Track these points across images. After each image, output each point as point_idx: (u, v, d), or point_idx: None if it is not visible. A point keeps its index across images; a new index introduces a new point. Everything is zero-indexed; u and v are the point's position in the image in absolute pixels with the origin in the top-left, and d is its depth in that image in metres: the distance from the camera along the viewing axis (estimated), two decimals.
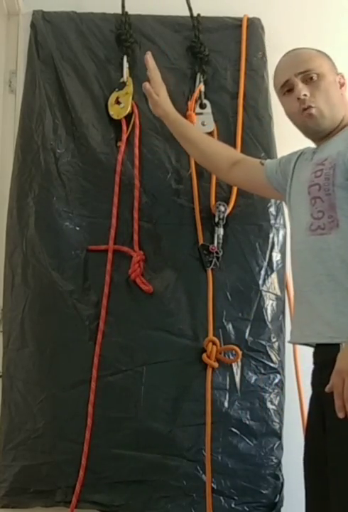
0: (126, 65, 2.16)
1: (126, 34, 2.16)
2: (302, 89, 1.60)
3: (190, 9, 2.18)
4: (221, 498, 1.85)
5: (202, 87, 2.16)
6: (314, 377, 1.59)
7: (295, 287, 1.65)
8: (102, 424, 1.86)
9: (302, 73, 1.62)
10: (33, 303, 1.97)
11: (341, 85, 1.65)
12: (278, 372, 1.96)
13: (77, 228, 2.03)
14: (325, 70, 1.63)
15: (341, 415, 1.36)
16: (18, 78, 2.21)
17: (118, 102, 2.12)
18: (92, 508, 1.86)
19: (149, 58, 1.93)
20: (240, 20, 2.23)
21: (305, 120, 1.62)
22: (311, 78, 1.61)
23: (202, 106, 2.15)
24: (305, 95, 1.59)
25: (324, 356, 1.51)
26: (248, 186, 1.94)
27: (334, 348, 1.44)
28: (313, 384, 1.59)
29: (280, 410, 1.94)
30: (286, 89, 1.65)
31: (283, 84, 1.65)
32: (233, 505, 1.85)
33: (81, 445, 1.84)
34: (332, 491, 1.44)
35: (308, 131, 1.65)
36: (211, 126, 2.13)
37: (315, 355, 1.58)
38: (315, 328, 1.51)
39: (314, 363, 1.58)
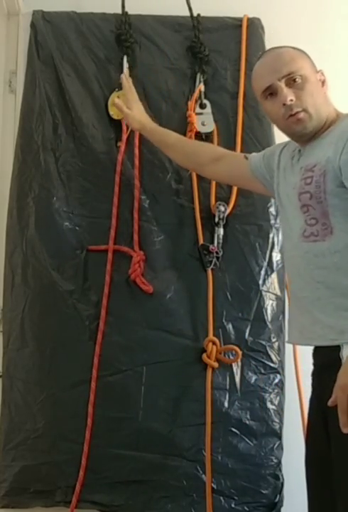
0: (126, 65, 2.16)
1: (126, 34, 2.16)
2: (288, 95, 1.53)
3: (190, 9, 2.18)
4: (221, 498, 1.85)
5: (202, 87, 2.16)
6: (314, 378, 1.59)
7: (292, 291, 1.65)
8: (102, 424, 1.86)
9: (286, 77, 1.55)
10: (33, 303, 1.97)
11: (323, 83, 1.60)
12: (278, 372, 1.96)
13: (77, 228, 2.03)
14: (308, 71, 1.57)
15: (345, 431, 1.34)
16: (18, 78, 2.21)
17: None
18: (92, 508, 1.86)
19: (124, 78, 2.05)
20: (240, 20, 2.23)
21: (291, 125, 1.57)
22: (294, 80, 1.55)
23: (202, 106, 2.15)
24: (291, 101, 1.54)
25: (325, 358, 1.51)
26: (234, 181, 1.94)
27: (335, 349, 1.44)
28: (313, 385, 1.59)
29: (280, 410, 1.94)
30: (269, 93, 1.58)
31: (265, 88, 1.58)
32: (233, 505, 1.85)
33: (81, 445, 1.84)
34: (339, 500, 1.43)
35: (294, 135, 1.60)
36: (211, 126, 2.13)
37: (315, 356, 1.58)
38: (316, 331, 1.51)
39: (314, 364, 1.58)
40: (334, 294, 1.47)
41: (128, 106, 1.99)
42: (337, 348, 1.44)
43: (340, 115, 1.58)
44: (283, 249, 1.69)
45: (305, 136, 1.57)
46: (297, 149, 1.62)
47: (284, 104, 1.54)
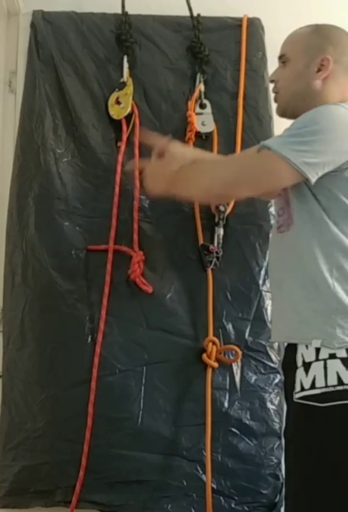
0: (126, 65, 2.16)
1: (126, 34, 2.16)
2: (272, 75, 1.64)
3: (190, 9, 2.18)
4: (221, 498, 1.85)
5: (202, 87, 2.16)
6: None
7: (269, 286, 1.69)
8: (102, 424, 1.86)
9: (280, 57, 1.63)
10: (33, 303, 1.97)
11: (319, 69, 1.55)
12: (278, 372, 1.96)
13: (77, 228, 2.03)
14: (296, 53, 1.57)
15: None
16: (18, 78, 2.21)
17: (118, 102, 2.12)
18: (92, 508, 1.86)
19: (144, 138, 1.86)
20: (240, 20, 2.23)
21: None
22: (284, 63, 1.61)
23: (202, 106, 2.15)
24: (271, 81, 1.63)
25: (285, 357, 1.53)
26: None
27: (292, 348, 1.44)
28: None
29: (280, 410, 1.94)
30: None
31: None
32: (233, 505, 1.85)
33: (81, 445, 1.83)
34: (286, 493, 1.47)
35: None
36: (211, 126, 2.13)
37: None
38: (279, 327, 1.53)
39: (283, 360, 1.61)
40: (295, 288, 1.45)
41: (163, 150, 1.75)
42: (295, 349, 1.43)
43: None
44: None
45: (281, 117, 1.64)
46: None
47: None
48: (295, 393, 1.40)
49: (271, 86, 1.67)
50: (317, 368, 1.37)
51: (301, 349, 1.41)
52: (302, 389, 1.38)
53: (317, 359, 1.37)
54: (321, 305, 1.40)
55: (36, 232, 2.01)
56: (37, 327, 1.96)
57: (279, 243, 1.53)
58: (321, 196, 1.43)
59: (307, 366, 1.38)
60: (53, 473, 1.86)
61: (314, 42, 1.57)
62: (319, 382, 1.35)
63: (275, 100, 1.64)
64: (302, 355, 1.40)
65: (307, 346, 1.39)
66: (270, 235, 1.65)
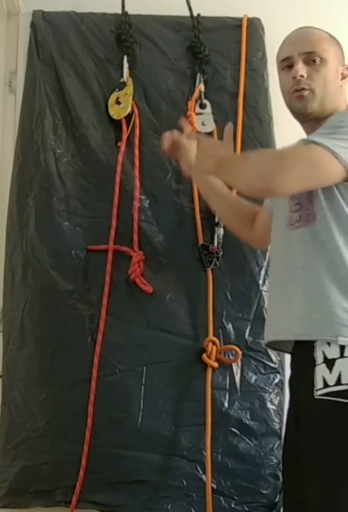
0: (126, 65, 2.16)
1: (126, 34, 2.16)
2: (300, 70, 1.54)
3: (190, 9, 2.18)
4: (221, 498, 1.85)
5: (202, 87, 2.16)
6: (292, 377, 1.57)
7: (271, 285, 1.62)
8: (102, 424, 1.86)
9: (306, 54, 1.55)
10: (33, 303, 1.97)
11: (343, 77, 1.59)
12: (278, 372, 1.96)
13: (77, 228, 2.03)
14: (330, 56, 1.56)
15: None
16: (18, 78, 2.21)
17: (118, 102, 2.12)
18: (92, 508, 1.86)
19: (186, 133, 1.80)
20: (240, 20, 2.24)
21: (293, 100, 1.56)
22: (314, 61, 1.54)
23: (202, 106, 2.15)
24: (301, 76, 1.53)
25: (296, 356, 1.50)
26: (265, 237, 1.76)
27: (305, 346, 1.42)
28: (291, 384, 1.57)
29: (280, 410, 1.94)
30: (286, 64, 1.58)
31: (284, 58, 1.59)
32: (233, 505, 1.85)
33: (81, 445, 1.83)
34: (308, 493, 1.41)
35: (294, 112, 1.60)
36: (211, 126, 2.13)
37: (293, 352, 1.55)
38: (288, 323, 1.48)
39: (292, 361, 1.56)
40: (314, 282, 1.43)
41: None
42: (311, 346, 1.41)
43: None
44: (270, 246, 1.66)
45: (304, 116, 1.57)
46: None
47: (294, 77, 1.54)
48: (317, 390, 1.38)
49: (291, 81, 1.56)
50: (343, 365, 1.36)
51: (321, 346, 1.39)
52: (326, 385, 1.36)
53: (343, 356, 1.36)
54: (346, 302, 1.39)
55: (36, 232, 2.02)
56: (37, 327, 1.96)
57: (291, 238, 1.49)
58: (346, 195, 1.43)
59: (330, 363, 1.37)
60: (53, 473, 1.86)
61: (336, 48, 1.60)
62: (346, 379, 1.34)
63: (304, 97, 1.54)
64: (324, 352, 1.38)
65: (329, 343, 1.38)
66: (274, 236, 1.59)
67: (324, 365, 1.38)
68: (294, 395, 1.52)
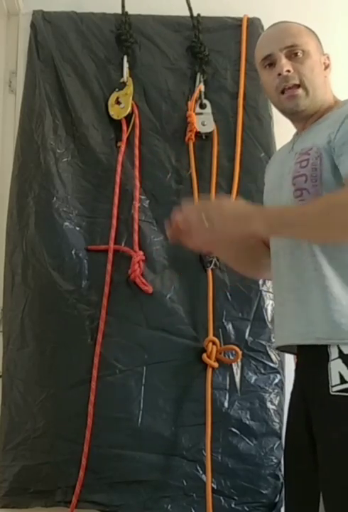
0: (126, 65, 2.16)
1: (126, 34, 2.16)
2: (285, 65, 1.47)
3: (190, 9, 2.18)
4: (221, 498, 1.85)
5: (202, 87, 2.16)
6: (298, 375, 1.53)
7: (277, 288, 1.55)
8: (102, 424, 1.86)
9: (287, 48, 1.49)
10: (33, 303, 1.97)
11: (326, 67, 1.54)
12: (278, 372, 1.96)
13: (77, 228, 2.03)
14: (312, 47, 1.52)
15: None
16: (18, 78, 2.21)
17: (118, 102, 2.12)
18: (92, 508, 1.86)
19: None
20: (240, 20, 2.24)
21: (283, 101, 1.51)
22: (296, 54, 1.49)
23: (202, 106, 2.15)
24: (288, 71, 1.47)
25: (305, 355, 1.46)
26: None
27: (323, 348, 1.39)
28: (296, 383, 1.54)
29: (280, 410, 1.94)
30: (268, 62, 1.52)
31: (264, 57, 1.52)
32: (233, 505, 1.85)
33: (81, 445, 1.83)
34: (326, 500, 1.39)
35: (285, 112, 1.55)
36: (211, 126, 2.13)
37: (300, 352, 1.51)
38: (300, 328, 1.44)
39: (299, 360, 1.52)
40: (329, 284, 1.39)
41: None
42: (322, 347, 1.38)
43: (338, 102, 1.54)
44: (272, 253, 1.57)
45: (296, 114, 1.52)
46: (294, 139, 1.58)
47: (279, 74, 1.49)
48: (333, 386, 1.35)
49: (277, 79, 1.50)
50: None
51: (335, 345, 1.36)
52: (344, 381, 1.34)
53: None
54: None
55: (36, 232, 2.02)
56: (37, 327, 1.96)
57: (297, 242, 1.44)
58: None
59: (347, 358, 1.34)
60: (53, 473, 1.86)
61: (316, 39, 1.56)
62: None
63: (294, 96, 1.49)
64: (339, 347, 1.35)
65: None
66: (278, 240, 1.53)
67: (339, 360, 1.35)
68: (304, 393, 1.47)
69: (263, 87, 1.60)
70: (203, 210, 1.36)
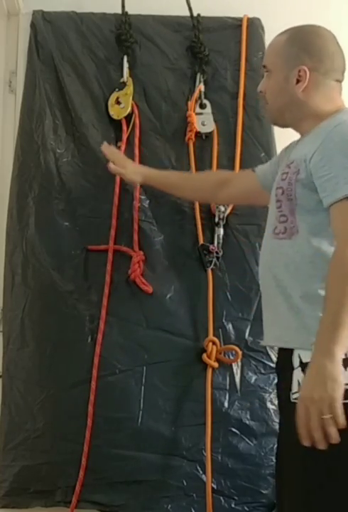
0: (126, 65, 2.16)
1: (126, 34, 2.16)
2: (260, 86, 1.63)
3: (190, 9, 2.18)
4: (221, 498, 1.85)
5: (202, 87, 2.16)
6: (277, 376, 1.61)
7: (261, 288, 1.63)
8: (102, 424, 1.86)
9: (264, 67, 1.62)
10: (33, 303, 1.97)
11: (299, 80, 1.52)
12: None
13: (77, 228, 2.03)
14: (277, 66, 1.55)
15: (306, 443, 1.29)
16: (18, 78, 2.21)
17: (118, 102, 2.12)
18: (92, 508, 1.86)
19: (105, 148, 1.98)
20: (240, 20, 2.24)
21: None
22: (267, 72, 1.60)
23: (202, 106, 2.15)
24: (261, 92, 1.62)
25: (281, 359, 1.53)
26: (249, 199, 1.88)
27: (289, 352, 1.43)
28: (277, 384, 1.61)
29: None
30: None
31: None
32: (233, 505, 1.85)
33: (81, 445, 1.84)
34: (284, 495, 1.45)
35: None
36: (211, 126, 2.13)
37: (278, 354, 1.59)
38: (274, 331, 1.52)
39: (276, 362, 1.60)
40: (292, 295, 1.45)
41: (121, 165, 1.96)
42: (290, 352, 1.43)
43: (331, 112, 1.51)
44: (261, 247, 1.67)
45: (272, 124, 1.71)
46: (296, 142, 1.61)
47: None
48: (293, 394, 1.39)
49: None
50: None
51: (298, 351, 1.41)
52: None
53: None
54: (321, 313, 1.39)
55: (36, 232, 2.02)
56: (37, 327, 1.96)
57: (277, 248, 1.50)
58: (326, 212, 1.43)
59: (305, 367, 1.37)
60: (53, 473, 1.86)
61: (290, 52, 1.54)
62: None
63: (265, 109, 1.66)
64: (300, 356, 1.40)
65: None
66: (264, 239, 1.60)
67: (299, 369, 1.40)
68: (278, 397, 1.56)
69: None
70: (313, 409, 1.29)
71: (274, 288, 1.50)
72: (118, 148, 2.09)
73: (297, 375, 1.40)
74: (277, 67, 1.56)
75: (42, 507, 1.88)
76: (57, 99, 2.13)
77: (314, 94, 1.53)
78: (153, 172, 1.97)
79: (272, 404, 1.93)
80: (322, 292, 1.38)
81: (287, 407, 1.42)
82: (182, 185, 1.97)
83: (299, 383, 1.38)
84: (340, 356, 1.30)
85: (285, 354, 1.45)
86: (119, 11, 2.19)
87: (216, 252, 2.01)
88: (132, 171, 1.97)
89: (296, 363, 1.41)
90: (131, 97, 2.12)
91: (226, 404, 1.91)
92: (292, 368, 1.41)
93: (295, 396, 1.38)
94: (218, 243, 2.02)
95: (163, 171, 2.01)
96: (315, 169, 1.42)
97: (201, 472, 1.85)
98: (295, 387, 1.40)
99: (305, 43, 1.54)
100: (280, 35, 1.59)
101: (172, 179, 1.98)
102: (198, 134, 2.12)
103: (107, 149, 1.98)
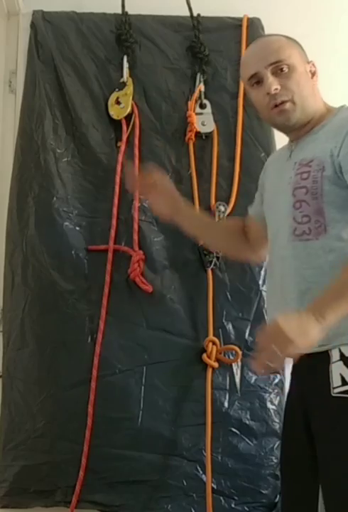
0: (126, 65, 2.16)
1: (126, 34, 2.16)
2: (273, 84, 1.48)
3: (190, 9, 2.18)
4: (221, 498, 1.85)
5: (202, 87, 2.16)
6: (295, 376, 1.55)
7: (271, 295, 1.59)
8: (102, 424, 1.86)
9: (273, 64, 1.49)
10: (33, 303, 1.97)
11: (313, 75, 1.53)
12: (278, 372, 1.96)
13: (77, 228, 2.03)
14: (296, 60, 1.50)
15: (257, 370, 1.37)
16: (18, 78, 2.21)
17: (118, 102, 2.12)
18: (92, 508, 1.86)
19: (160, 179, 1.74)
20: (240, 20, 2.24)
21: (273, 116, 1.52)
22: (281, 70, 1.49)
23: (202, 106, 2.15)
24: (276, 90, 1.48)
25: (311, 360, 1.45)
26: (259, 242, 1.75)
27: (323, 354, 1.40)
28: (293, 384, 1.56)
29: (280, 410, 1.94)
30: (255, 81, 1.52)
31: (251, 76, 1.52)
32: (233, 505, 1.85)
33: (81, 445, 1.84)
34: (327, 500, 1.40)
35: (277, 126, 1.57)
36: (211, 126, 2.13)
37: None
38: None
39: (297, 363, 1.52)
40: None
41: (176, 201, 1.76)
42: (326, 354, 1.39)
43: (331, 109, 1.54)
44: (269, 251, 1.61)
45: (288, 128, 1.54)
46: (291, 146, 1.58)
47: (268, 93, 1.49)
48: (334, 388, 1.36)
49: (267, 97, 1.50)
50: None
51: (338, 347, 1.38)
52: (345, 383, 1.35)
53: None
54: None
55: (36, 232, 2.02)
56: (37, 327, 1.96)
57: (303, 249, 1.45)
58: None
59: (347, 359, 1.36)
60: (53, 473, 1.86)
61: (297, 47, 1.55)
62: None
63: (285, 110, 1.49)
64: (340, 349, 1.37)
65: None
66: (276, 244, 1.53)
67: (341, 362, 1.37)
68: (303, 395, 1.48)
69: (254, 105, 1.60)
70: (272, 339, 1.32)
71: (304, 292, 1.43)
72: (118, 148, 2.09)
73: (338, 368, 1.36)
74: (298, 60, 1.51)
75: (42, 507, 1.88)
76: (57, 99, 2.13)
77: (317, 87, 1.55)
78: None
79: (272, 404, 1.93)
80: None
81: (329, 403, 1.38)
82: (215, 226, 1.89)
83: (342, 377, 1.35)
84: (328, 323, 1.32)
85: (315, 353, 1.39)
86: (119, 11, 2.19)
87: (216, 252, 2.00)
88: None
89: (335, 356, 1.38)
90: (130, 97, 2.12)
91: (226, 404, 1.91)
92: (329, 363, 1.38)
93: (338, 390, 1.35)
94: None
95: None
96: (345, 164, 1.40)
97: (201, 472, 1.85)
98: (337, 381, 1.36)
99: (300, 45, 1.56)
100: (276, 36, 1.56)
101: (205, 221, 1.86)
102: (198, 134, 2.12)
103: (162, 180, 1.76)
